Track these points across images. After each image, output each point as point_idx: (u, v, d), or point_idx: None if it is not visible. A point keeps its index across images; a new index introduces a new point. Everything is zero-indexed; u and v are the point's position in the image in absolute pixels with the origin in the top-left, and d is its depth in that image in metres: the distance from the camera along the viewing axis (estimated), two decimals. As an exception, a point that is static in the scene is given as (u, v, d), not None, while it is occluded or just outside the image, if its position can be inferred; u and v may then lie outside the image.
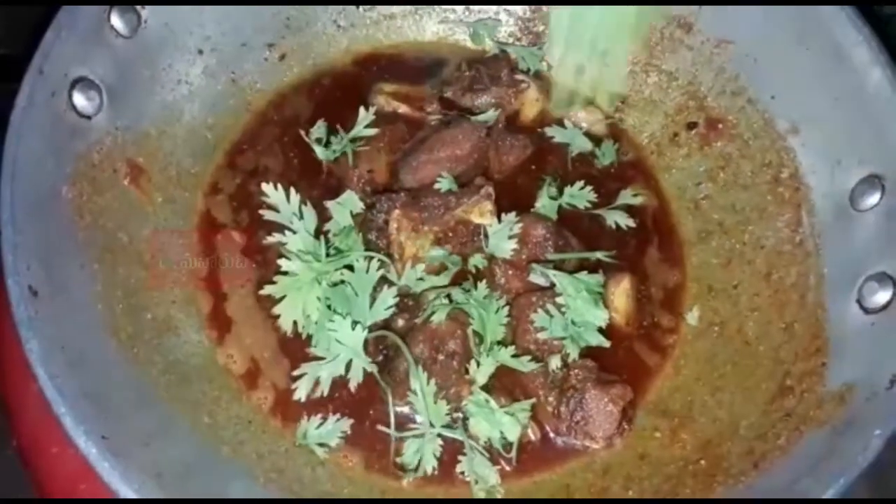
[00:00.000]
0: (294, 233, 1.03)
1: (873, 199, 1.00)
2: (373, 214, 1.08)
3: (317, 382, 0.99)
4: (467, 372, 1.01)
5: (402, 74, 1.28)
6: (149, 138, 1.10)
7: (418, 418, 0.98)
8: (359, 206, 1.09)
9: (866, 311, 0.96)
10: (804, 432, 0.92)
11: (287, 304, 0.99)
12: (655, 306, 1.14)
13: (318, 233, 1.05)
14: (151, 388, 0.94)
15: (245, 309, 1.09)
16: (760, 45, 1.16)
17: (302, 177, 1.17)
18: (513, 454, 1.00)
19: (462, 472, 0.98)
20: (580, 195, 1.12)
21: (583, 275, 1.04)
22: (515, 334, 1.05)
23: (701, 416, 1.04)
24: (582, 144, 1.23)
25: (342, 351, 0.98)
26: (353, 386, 0.98)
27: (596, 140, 1.24)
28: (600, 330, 1.03)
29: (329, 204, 1.09)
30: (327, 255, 1.02)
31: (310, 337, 1.01)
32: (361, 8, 1.29)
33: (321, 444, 1.00)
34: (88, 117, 1.01)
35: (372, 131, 1.16)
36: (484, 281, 1.05)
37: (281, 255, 1.01)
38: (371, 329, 1.01)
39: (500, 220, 1.07)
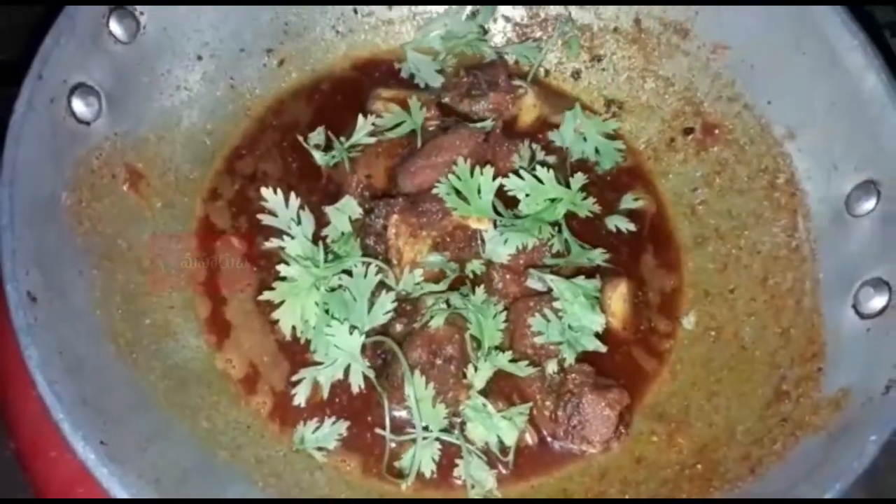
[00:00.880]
0: (292, 238, 1.03)
1: (869, 204, 1.01)
2: (371, 220, 1.09)
3: (316, 387, 1.00)
4: (465, 376, 1.01)
5: (401, 80, 1.29)
6: (148, 144, 1.10)
7: (415, 422, 0.99)
8: (357, 212, 1.10)
9: (862, 316, 0.97)
10: (800, 437, 0.92)
11: (285, 309, 1.00)
12: (652, 311, 1.14)
13: (317, 238, 1.05)
14: (150, 393, 0.95)
15: (244, 314, 1.09)
16: (756, 50, 1.16)
17: (301, 182, 1.18)
18: (510, 458, 1.00)
19: (459, 477, 0.98)
20: (583, 205, 1.11)
21: (580, 280, 1.05)
22: (513, 339, 1.05)
23: (697, 420, 1.04)
24: (581, 150, 1.23)
25: (340, 356, 0.98)
26: (354, 390, 0.98)
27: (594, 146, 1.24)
28: (597, 335, 1.03)
29: (328, 209, 1.09)
30: (325, 260, 1.03)
31: (308, 342, 1.02)
32: (359, 13, 1.30)
33: (319, 448, 1.00)
34: (87, 123, 1.01)
35: (371, 139, 1.16)
36: (482, 286, 1.06)
37: (280, 261, 1.02)
38: (369, 334, 1.01)
39: (496, 226, 1.07)
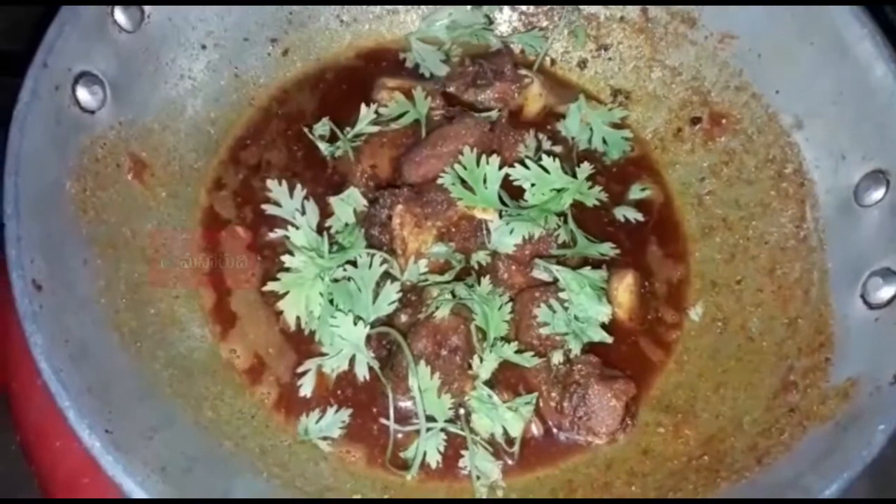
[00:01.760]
0: (297, 228, 1.03)
1: (878, 194, 1.00)
2: (375, 210, 1.08)
3: (321, 378, 1.00)
4: (470, 367, 1.01)
5: (406, 69, 1.28)
6: (152, 133, 1.10)
7: (419, 413, 0.98)
8: (362, 203, 1.09)
9: (870, 306, 0.96)
10: (808, 427, 0.92)
11: (290, 300, 1.00)
12: (659, 302, 1.13)
13: (321, 229, 1.05)
14: (154, 382, 0.95)
15: (249, 304, 1.09)
16: (764, 40, 1.15)
17: (306, 172, 1.18)
18: (515, 449, 1.00)
19: (464, 467, 0.98)
20: (589, 194, 1.10)
21: (586, 270, 1.04)
22: (518, 329, 1.05)
23: (704, 411, 1.03)
24: (587, 140, 1.22)
25: (345, 347, 0.98)
26: (360, 380, 0.99)
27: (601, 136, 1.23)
28: (603, 326, 1.03)
29: (332, 200, 1.09)
30: (330, 251, 1.02)
31: (314, 332, 1.02)
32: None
33: (324, 438, 1.00)
34: (92, 112, 1.01)
35: (374, 128, 1.16)
36: (487, 277, 1.05)
37: (285, 251, 1.02)
38: (374, 325, 1.01)
39: (501, 216, 1.06)
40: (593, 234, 1.11)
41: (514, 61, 1.26)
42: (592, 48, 1.30)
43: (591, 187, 1.08)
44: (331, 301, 1.01)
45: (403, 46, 1.30)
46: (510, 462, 1.00)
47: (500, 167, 1.05)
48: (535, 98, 1.24)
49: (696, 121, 1.23)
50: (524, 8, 1.32)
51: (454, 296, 1.03)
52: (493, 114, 1.20)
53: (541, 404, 1.03)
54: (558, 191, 1.07)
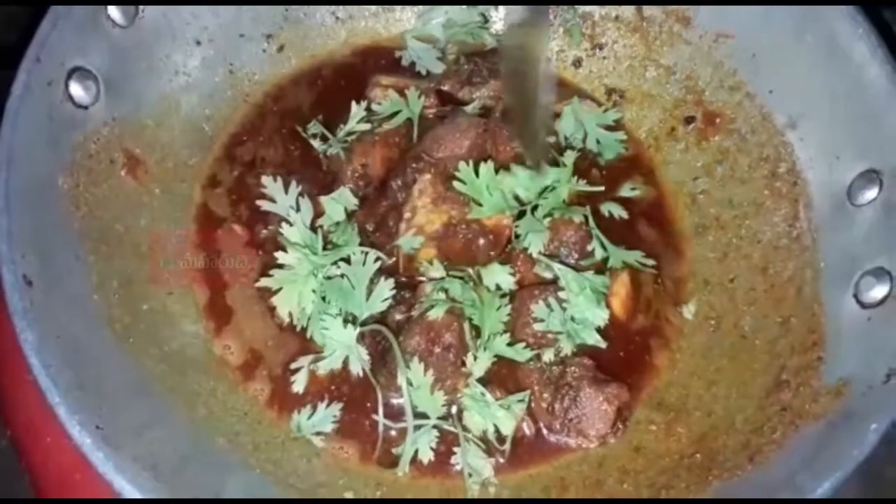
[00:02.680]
0: (291, 224, 1.03)
1: (871, 193, 1.00)
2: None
3: (314, 374, 1.00)
4: (464, 365, 1.01)
5: (402, 67, 1.28)
6: (146, 129, 1.10)
7: (406, 411, 0.98)
8: (352, 202, 1.09)
9: (863, 305, 0.96)
10: (800, 426, 0.92)
11: (283, 296, 0.99)
12: (653, 300, 1.13)
13: (314, 226, 1.05)
14: (147, 378, 0.94)
15: (244, 300, 1.09)
16: (759, 39, 1.15)
17: (300, 169, 1.17)
18: (506, 447, 1.00)
19: (456, 464, 0.98)
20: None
21: (589, 273, 1.04)
22: (515, 326, 1.05)
23: (696, 409, 1.04)
24: (582, 142, 1.22)
25: (338, 348, 0.98)
26: (354, 375, 0.99)
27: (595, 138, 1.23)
28: (599, 330, 1.03)
29: (323, 199, 1.09)
30: (324, 248, 1.02)
31: (306, 329, 1.02)
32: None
33: (317, 434, 1.00)
34: (85, 107, 1.00)
35: (365, 126, 1.15)
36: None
37: (279, 247, 1.01)
38: (367, 322, 1.01)
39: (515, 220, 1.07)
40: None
41: None
42: (587, 47, 1.30)
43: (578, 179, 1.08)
44: (323, 298, 1.01)
45: (399, 44, 1.29)
46: (502, 460, 1.00)
47: (498, 167, 1.05)
48: None
49: (690, 120, 1.23)
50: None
51: (447, 294, 1.03)
52: (478, 105, 1.19)
53: (532, 404, 1.03)
54: (552, 188, 1.07)
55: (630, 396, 1.03)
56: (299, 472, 0.98)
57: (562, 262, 1.06)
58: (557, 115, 1.23)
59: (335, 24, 1.29)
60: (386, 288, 1.01)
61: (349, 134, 1.17)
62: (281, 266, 1.00)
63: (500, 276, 1.04)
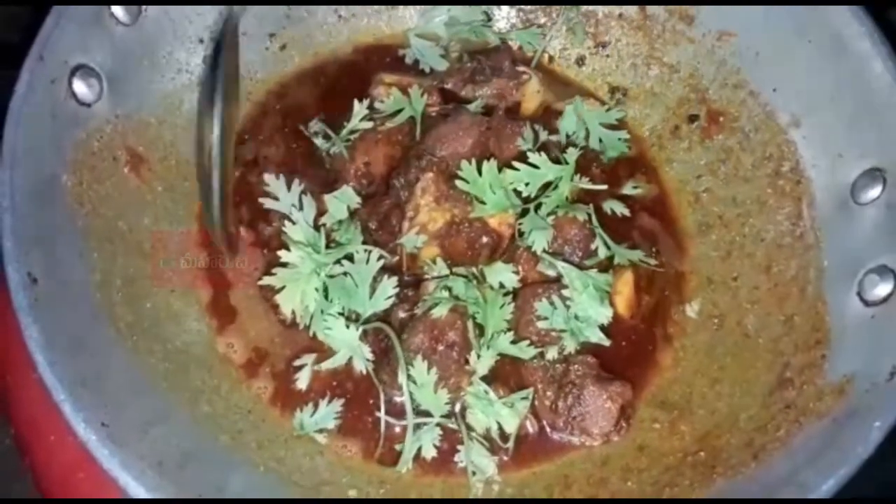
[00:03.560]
0: (293, 223, 1.03)
1: (874, 192, 1.00)
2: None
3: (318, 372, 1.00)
4: (467, 363, 1.01)
5: (405, 65, 1.28)
6: (149, 127, 1.10)
7: (407, 409, 0.98)
8: (355, 201, 1.09)
9: (867, 303, 0.96)
10: (804, 424, 0.92)
11: (286, 294, 0.99)
12: (657, 298, 1.13)
13: (318, 225, 1.05)
14: (150, 376, 0.94)
15: (248, 298, 1.09)
16: (762, 37, 1.15)
17: (303, 168, 1.17)
18: (510, 445, 1.00)
19: (460, 462, 0.98)
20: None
21: (593, 272, 1.04)
22: (518, 324, 1.04)
23: (700, 408, 1.04)
24: (584, 141, 1.21)
25: (341, 346, 0.98)
26: (357, 372, 1.00)
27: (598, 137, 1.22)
28: (602, 328, 1.03)
29: (326, 197, 1.09)
30: (327, 246, 1.02)
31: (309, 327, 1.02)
32: (362, -2, 1.29)
33: (320, 431, 1.00)
34: (88, 105, 1.00)
35: (368, 125, 1.16)
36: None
37: (282, 246, 1.01)
38: (370, 320, 1.01)
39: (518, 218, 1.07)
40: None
41: (512, 58, 1.26)
42: (591, 45, 1.31)
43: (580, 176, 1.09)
44: (326, 296, 1.01)
45: (402, 42, 1.29)
46: (506, 458, 1.00)
47: (500, 166, 1.05)
48: (532, 95, 1.24)
49: (693, 118, 1.23)
50: (522, 4, 1.31)
51: (451, 292, 1.03)
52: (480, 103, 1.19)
53: (536, 402, 1.03)
54: (555, 186, 1.07)
55: (633, 395, 1.03)
56: (303, 469, 0.98)
57: (565, 260, 1.05)
58: (561, 113, 1.23)
59: (338, 23, 1.29)
60: (389, 286, 1.01)
61: (352, 132, 1.17)
62: (284, 264, 1.00)
63: (503, 274, 1.04)
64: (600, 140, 1.22)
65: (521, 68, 1.26)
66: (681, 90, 1.25)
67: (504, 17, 1.32)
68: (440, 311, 1.00)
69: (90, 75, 1.00)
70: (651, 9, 1.25)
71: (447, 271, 1.04)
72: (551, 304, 1.02)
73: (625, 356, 1.08)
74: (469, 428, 0.99)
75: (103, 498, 0.83)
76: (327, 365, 1.00)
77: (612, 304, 1.05)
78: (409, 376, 0.97)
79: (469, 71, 1.25)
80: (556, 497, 0.99)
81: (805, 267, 1.06)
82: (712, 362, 1.07)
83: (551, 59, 1.32)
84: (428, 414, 0.98)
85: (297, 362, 1.01)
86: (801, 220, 1.09)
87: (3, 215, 0.86)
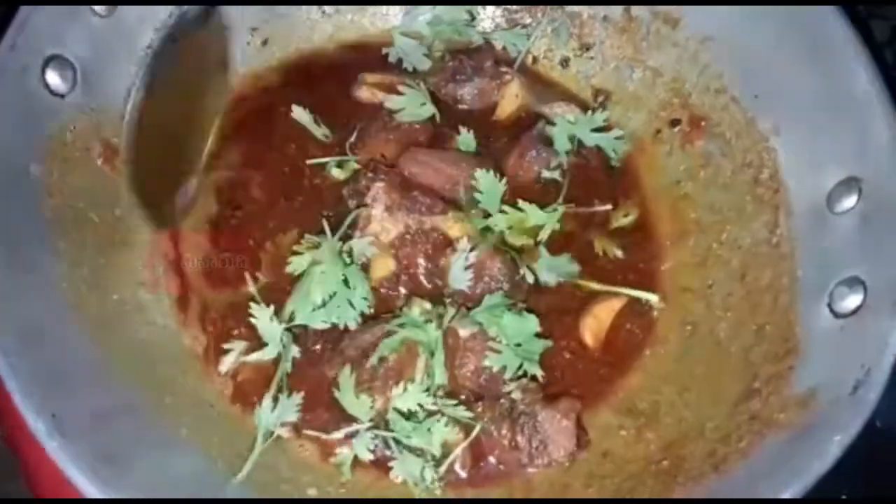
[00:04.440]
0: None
1: (850, 201, 0.98)
2: (359, 177, 1.09)
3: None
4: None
5: (387, 63, 1.27)
6: (124, 119, 1.09)
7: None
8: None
9: (836, 315, 0.94)
10: (766, 436, 0.90)
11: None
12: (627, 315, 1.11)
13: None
14: (113, 367, 0.93)
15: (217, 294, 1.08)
16: (745, 43, 1.14)
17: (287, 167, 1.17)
18: (442, 471, 0.97)
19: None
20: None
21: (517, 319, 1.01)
22: (453, 368, 1.01)
23: (667, 415, 1.03)
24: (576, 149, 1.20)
25: (269, 340, 0.99)
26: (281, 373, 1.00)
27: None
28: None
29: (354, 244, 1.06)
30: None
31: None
32: (348, -6, 1.29)
33: (283, 424, 0.99)
34: (62, 96, 1.00)
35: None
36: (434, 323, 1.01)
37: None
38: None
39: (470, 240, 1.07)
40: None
41: (494, 58, 1.25)
42: (575, 47, 1.29)
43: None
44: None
45: (386, 40, 1.28)
46: (454, 478, 0.99)
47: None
48: (511, 98, 1.23)
49: (675, 123, 1.22)
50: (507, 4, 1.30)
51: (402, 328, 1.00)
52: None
53: (496, 449, 0.99)
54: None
55: (598, 402, 1.02)
56: (263, 466, 0.97)
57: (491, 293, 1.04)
58: (542, 116, 1.22)
59: (321, 19, 1.29)
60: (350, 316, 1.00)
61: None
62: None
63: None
64: (598, 148, 1.20)
65: (504, 69, 1.25)
66: (664, 94, 1.23)
67: (489, 16, 1.31)
68: (391, 356, 0.98)
69: (64, 66, 1.00)
70: (636, 11, 1.24)
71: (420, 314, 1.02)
72: (495, 351, 0.99)
73: (593, 365, 1.07)
74: (397, 441, 0.97)
75: (94, 498, 0.83)
76: (253, 358, 0.99)
77: (581, 339, 1.06)
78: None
79: (451, 70, 1.24)
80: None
81: (779, 276, 1.05)
82: (682, 370, 1.06)
83: (535, 59, 1.31)
84: (354, 419, 0.97)
85: (226, 345, 1.02)
86: (778, 229, 1.08)
87: (-32, 204, 0.86)
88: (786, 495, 0.80)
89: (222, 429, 0.99)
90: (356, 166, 1.15)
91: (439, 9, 1.27)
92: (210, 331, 1.06)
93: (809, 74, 1.06)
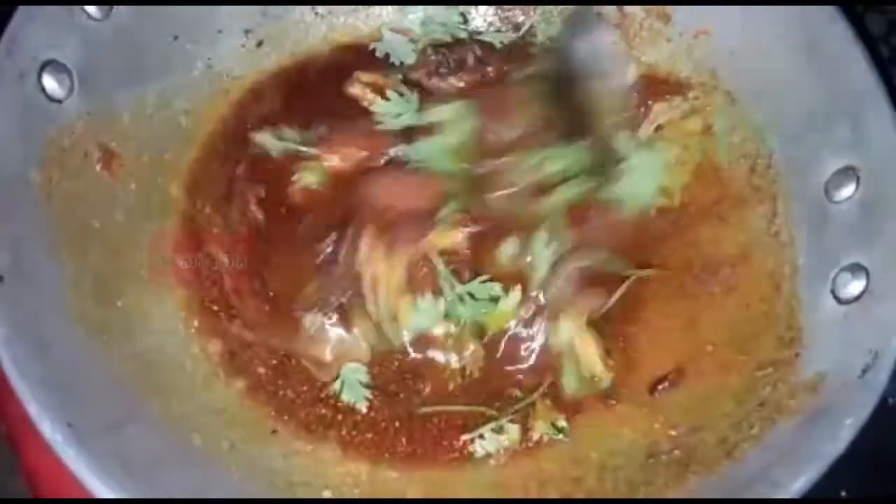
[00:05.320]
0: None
1: (848, 190, 1.00)
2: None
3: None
4: None
5: (380, 63, 1.27)
6: (121, 123, 1.08)
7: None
8: None
9: (840, 301, 0.96)
10: (777, 422, 0.92)
11: None
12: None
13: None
14: (121, 375, 0.93)
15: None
16: (738, 37, 1.15)
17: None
18: None
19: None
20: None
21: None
22: None
23: (675, 405, 1.03)
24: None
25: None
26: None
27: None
28: None
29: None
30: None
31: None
32: (340, -3, 1.28)
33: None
34: (59, 101, 0.99)
35: None
36: None
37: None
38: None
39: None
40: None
41: (476, 54, 1.25)
42: (568, 43, 1.30)
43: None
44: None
45: (378, 39, 1.28)
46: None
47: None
48: None
49: (670, 117, 1.24)
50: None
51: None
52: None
53: None
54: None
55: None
56: (276, 469, 0.97)
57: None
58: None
59: (315, 20, 1.28)
60: None
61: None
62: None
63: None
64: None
65: (488, 67, 1.25)
66: (658, 89, 1.25)
67: (481, 14, 1.31)
68: None
69: (61, 71, 0.98)
70: (629, 7, 1.25)
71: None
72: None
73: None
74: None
75: (93, 498, 0.82)
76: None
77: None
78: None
79: (434, 64, 1.24)
80: (533, 497, 0.99)
81: (780, 265, 1.06)
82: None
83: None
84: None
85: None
86: (777, 218, 1.09)
87: (-31, 212, 0.85)
88: (802, 479, 0.82)
89: (233, 434, 0.98)
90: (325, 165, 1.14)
91: (432, 9, 1.27)
92: (218, 337, 1.05)
93: (803, 66, 1.07)
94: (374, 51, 1.27)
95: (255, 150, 1.17)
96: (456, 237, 1.07)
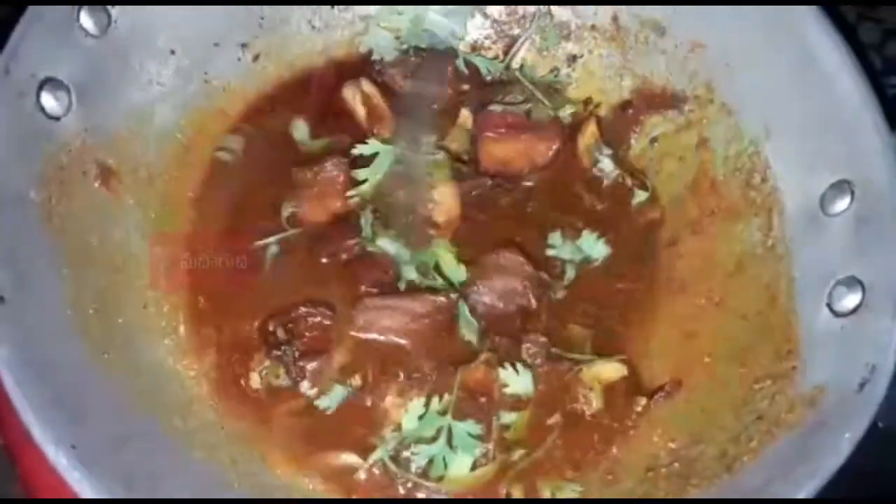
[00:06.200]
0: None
1: (843, 204, 1.01)
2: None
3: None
4: None
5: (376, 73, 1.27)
6: (119, 140, 1.08)
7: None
8: None
9: (836, 314, 0.97)
10: (776, 435, 0.92)
11: None
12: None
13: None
14: (122, 393, 0.93)
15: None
16: (733, 49, 1.16)
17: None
18: None
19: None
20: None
21: None
22: None
23: (675, 418, 1.04)
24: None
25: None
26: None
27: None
28: None
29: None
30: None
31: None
32: (336, 9, 1.28)
33: None
34: (57, 118, 0.99)
35: None
36: None
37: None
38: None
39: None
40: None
41: (454, 68, 1.26)
42: (563, 56, 1.31)
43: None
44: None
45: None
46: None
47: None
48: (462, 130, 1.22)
49: (665, 129, 1.25)
50: (496, 15, 1.31)
51: None
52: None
53: None
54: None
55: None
56: (277, 484, 0.97)
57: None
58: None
59: (311, 33, 1.28)
60: None
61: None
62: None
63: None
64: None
65: (464, 86, 1.25)
66: (653, 101, 1.26)
67: (477, 27, 1.32)
68: None
69: (59, 88, 0.98)
70: (623, 20, 1.26)
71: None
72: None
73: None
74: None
75: (93, 498, 0.81)
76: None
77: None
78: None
79: (413, 66, 1.24)
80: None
81: (776, 278, 1.07)
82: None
83: (523, 68, 1.32)
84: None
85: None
86: (772, 232, 1.10)
87: (-31, 232, 0.85)
88: (802, 493, 0.82)
89: (234, 449, 0.98)
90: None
91: (433, 24, 1.27)
92: (219, 353, 1.05)
93: (798, 79, 1.08)
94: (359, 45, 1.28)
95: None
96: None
